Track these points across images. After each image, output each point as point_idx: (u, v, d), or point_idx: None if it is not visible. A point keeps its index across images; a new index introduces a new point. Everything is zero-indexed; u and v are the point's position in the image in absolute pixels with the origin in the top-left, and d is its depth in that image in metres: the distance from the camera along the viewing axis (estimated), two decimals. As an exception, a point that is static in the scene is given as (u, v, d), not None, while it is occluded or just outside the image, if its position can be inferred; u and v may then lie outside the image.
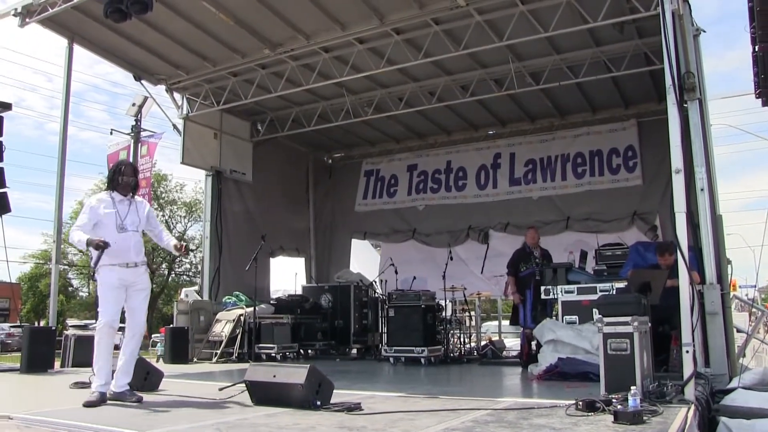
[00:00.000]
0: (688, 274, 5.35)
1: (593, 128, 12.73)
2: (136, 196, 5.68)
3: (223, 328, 11.04)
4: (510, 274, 9.78)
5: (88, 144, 79.78)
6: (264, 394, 4.95)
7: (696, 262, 6.74)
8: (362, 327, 12.54)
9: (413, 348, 9.88)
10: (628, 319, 5.18)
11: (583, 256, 9.83)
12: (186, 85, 11.65)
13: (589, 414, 4.45)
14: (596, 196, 12.38)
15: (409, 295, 10.30)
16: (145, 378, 5.92)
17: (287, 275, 14.71)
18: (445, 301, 11.22)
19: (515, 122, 13.54)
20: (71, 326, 9.69)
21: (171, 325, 11.38)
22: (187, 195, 37.85)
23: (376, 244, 16.69)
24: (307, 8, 9.08)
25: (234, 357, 10.71)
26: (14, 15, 8.99)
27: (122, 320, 5.43)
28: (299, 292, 13.42)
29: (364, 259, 15.36)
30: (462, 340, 11.72)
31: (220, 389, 5.78)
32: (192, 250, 37.97)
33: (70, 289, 38.86)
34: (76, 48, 9.86)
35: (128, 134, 19.78)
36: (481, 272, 13.27)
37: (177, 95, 11.94)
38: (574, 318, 7.88)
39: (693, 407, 4.82)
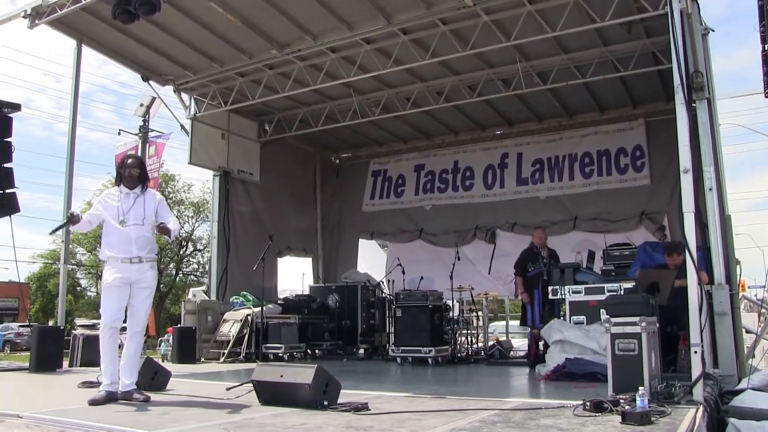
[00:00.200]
0: (696, 274, 5.32)
1: (601, 128, 12.69)
2: (149, 189, 5.60)
3: (230, 328, 11.06)
4: (518, 274, 9.77)
5: (96, 144, 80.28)
6: (271, 394, 4.96)
7: (704, 263, 6.71)
8: (369, 327, 12.54)
9: (420, 348, 9.88)
10: (636, 319, 5.16)
11: (591, 256, 9.81)
12: (193, 86, 11.68)
13: (597, 414, 4.44)
14: (604, 195, 12.35)
15: (417, 295, 10.30)
16: (153, 378, 5.94)
17: (294, 275, 14.73)
18: (453, 301, 11.22)
19: (523, 122, 13.53)
20: (79, 326, 9.72)
21: (179, 325, 11.42)
22: (194, 195, 37.95)
23: (384, 244, 16.71)
24: (315, 9, 9.09)
25: (241, 357, 10.73)
26: (24, 17, 9.06)
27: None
28: (306, 292, 13.44)
29: (372, 259, 15.37)
30: (469, 340, 11.70)
31: (228, 389, 5.80)
32: (200, 250, 38.12)
33: (78, 288, 39.02)
34: (85, 49, 9.91)
35: (136, 135, 19.89)
36: (489, 272, 13.26)
37: (185, 96, 11.97)
38: (582, 318, 7.86)
39: (701, 408, 4.80)
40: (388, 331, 12.11)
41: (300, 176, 15.02)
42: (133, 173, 5.51)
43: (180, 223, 37.68)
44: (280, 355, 10.69)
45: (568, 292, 8.14)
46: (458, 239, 13.33)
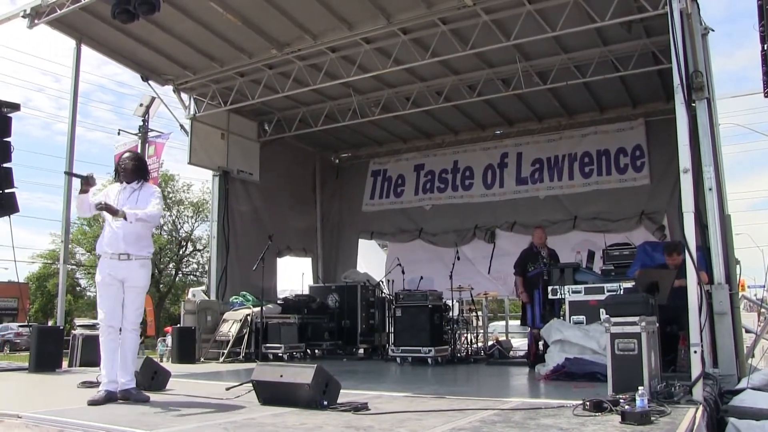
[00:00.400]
0: (696, 274, 5.32)
1: (601, 128, 12.69)
2: (147, 184, 5.51)
3: (230, 327, 11.06)
4: (518, 274, 9.77)
5: (95, 144, 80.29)
6: (271, 394, 4.96)
7: (704, 262, 6.71)
8: (369, 327, 12.54)
9: (420, 348, 9.88)
10: (635, 319, 5.17)
11: (591, 255, 9.81)
12: (193, 86, 11.68)
13: (597, 414, 4.44)
14: (604, 195, 12.35)
15: (416, 295, 10.30)
16: (153, 378, 5.94)
17: (294, 275, 14.72)
18: (452, 301, 11.22)
19: (522, 122, 13.52)
20: (79, 326, 9.71)
21: (178, 325, 11.41)
22: (194, 195, 37.94)
23: (383, 244, 16.72)
24: (314, 8, 9.09)
25: (241, 357, 10.73)
26: (23, 16, 9.04)
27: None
28: (306, 292, 13.43)
29: (371, 259, 15.38)
30: (469, 340, 11.70)
31: (227, 389, 5.80)
32: (199, 250, 38.11)
33: (77, 288, 38.99)
34: (84, 49, 9.90)
35: (136, 134, 19.86)
36: (488, 272, 13.26)
37: (184, 95, 11.96)
38: (582, 318, 7.87)
39: (701, 408, 4.80)
40: (387, 331, 12.12)
41: (300, 176, 15.02)
42: (127, 166, 5.47)
43: (180, 223, 37.70)
44: (280, 355, 10.69)
45: (568, 291, 8.15)
46: (458, 239, 13.33)
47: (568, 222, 12.62)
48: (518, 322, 12.18)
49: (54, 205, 69.20)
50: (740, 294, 8.21)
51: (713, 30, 7.77)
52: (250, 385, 5.17)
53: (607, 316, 5.38)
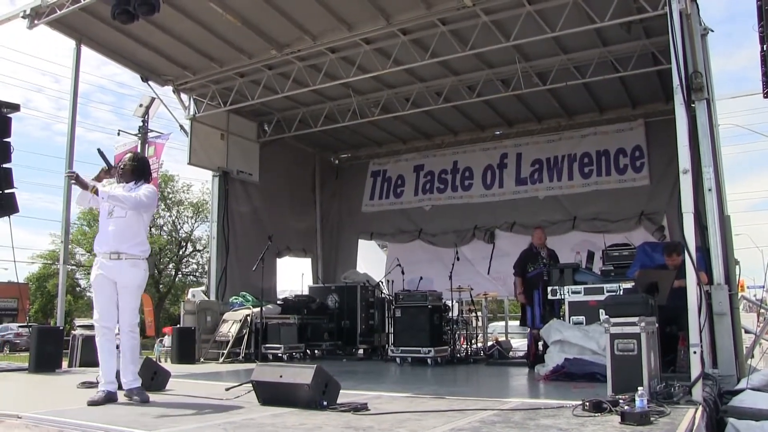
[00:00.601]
0: (695, 274, 5.32)
1: (600, 128, 12.69)
2: (146, 184, 5.43)
3: (229, 328, 11.06)
4: (517, 274, 9.77)
5: (95, 144, 79.92)
6: (271, 395, 4.96)
7: (704, 263, 6.71)
8: (369, 327, 12.53)
9: (420, 348, 9.88)
10: (635, 319, 5.17)
11: (590, 256, 9.80)
12: (193, 86, 11.68)
13: (596, 414, 4.44)
14: (603, 196, 12.35)
15: (416, 296, 10.30)
16: (152, 378, 5.94)
17: (294, 276, 14.71)
18: (452, 302, 11.22)
19: (522, 122, 13.52)
20: (79, 326, 9.74)
21: (178, 325, 11.41)
22: (194, 195, 37.99)
23: (383, 245, 16.70)
24: (314, 9, 9.09)
25: (241, 357, 10.73)
26: (23, 17, 9.05)
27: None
28: (306, 292, 13.42)
29: (371, 260, 15.36)
30: (468, 340, 11.70)
31: (227, 389, 5.80)
32: (199, 251, 38.10)
33: (77, 289, 38.99)
34: (84, 49, 9.90)
35: (135, 135, 19.82)
36: (488, 272, 13.26)
37: (184, 96, 11.97)
38: (581, 318, 7.87)
39: (701, 408, 4.80)
40: (387, 331, 12.13)
41: (299, 177, 15.02)
42: (125, 167, 5.44)
43: (179, 223, 37.67)
44: (280, 355, 10.68)
45: (568, 292, 8.14)
46: (457, 239, 13.33)
47: (567, 222, 12.63)
48: (518, 322, 12.18)
49: (54, 206, 69.18)
50: (740, 295, 8.20)
51: (713, 30, 7.78)
52: (250, 385, 5.17)
53: (607, 316, 5.39)
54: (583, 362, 7.04)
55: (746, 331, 9.15)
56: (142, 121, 19.51)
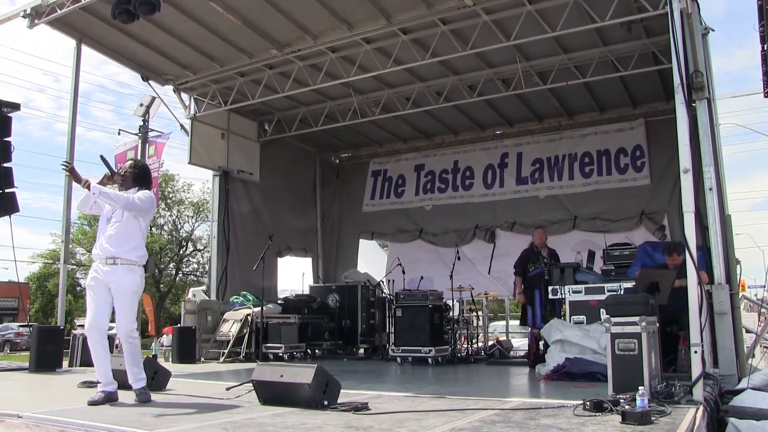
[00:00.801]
0: (696, 274, 5.32)
1: (601, 128, 12.69)
2: (145, 191, 5.38)
3: (230, 327, 11.06)
4: (517, 274, 9.77)
5: (95, 144, 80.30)
6: (271, 394, 4.96)
7: (704, 262, 6.70)
8: (369, 327, 12.53)
9: (420, 348, 9.88)
10: (636, 319, 5.17)
11: (591, 255, 9.81)
12: (193, 86, 11.68)
13: (597, 414, 4.44)
14: (604, 195, 12.35)
15: (417, 295, 10.30)
16: (153, 378, 5.92)
17: (294, 275, 14.73)
18: (453, 301, 11.21)
19: (522, 122, 13.52)
20: (79, 326, 9.71)
21: (179, 325, 11.40)
22: (194, 195, 37.97)
23: (384, 244, 16.70)
24: (315, 8, 9.09)
25: (241, 357, 10.73)
26: (23, 16, 9.05)
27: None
28: (306, 292, 13.44)
29: (372, 259, 15.37)
30: (469, 340, 11.70)
31: (228, 389, 5.80)
32: (199, 250, 38.10)
33: (78, 288, 38.96)
34: (84, 49, 9.90)
35: (136, 134, 19.82)
36: (489, 272, 13.26)
37: (184, 95, 11.96)
38: (582, 318, 7.86)
39: (701, 408, 4.80)
40: (388, 330, 12.12)
41: (300, 176, 15.02)
42: (126, 174, 5.42)
43: (180, 223, 37.67)
44: (280, 354, 10.68)
45: (568, 291, 8.14)
46: (458, 239, 13.33)
47: (568, 222, 12.62)
48: (518, 322, 12.18)
49: (54, 205, 69.29)
50: (740, 294, 8.20)
51: (713, 30, 7.76)
52: (251, 385, 5.17)
53: (608, 316, 5.38)
54: (584, 362, 7.04)
55: (747, 331, 9.16)
56: (143, 120, 19.52)
